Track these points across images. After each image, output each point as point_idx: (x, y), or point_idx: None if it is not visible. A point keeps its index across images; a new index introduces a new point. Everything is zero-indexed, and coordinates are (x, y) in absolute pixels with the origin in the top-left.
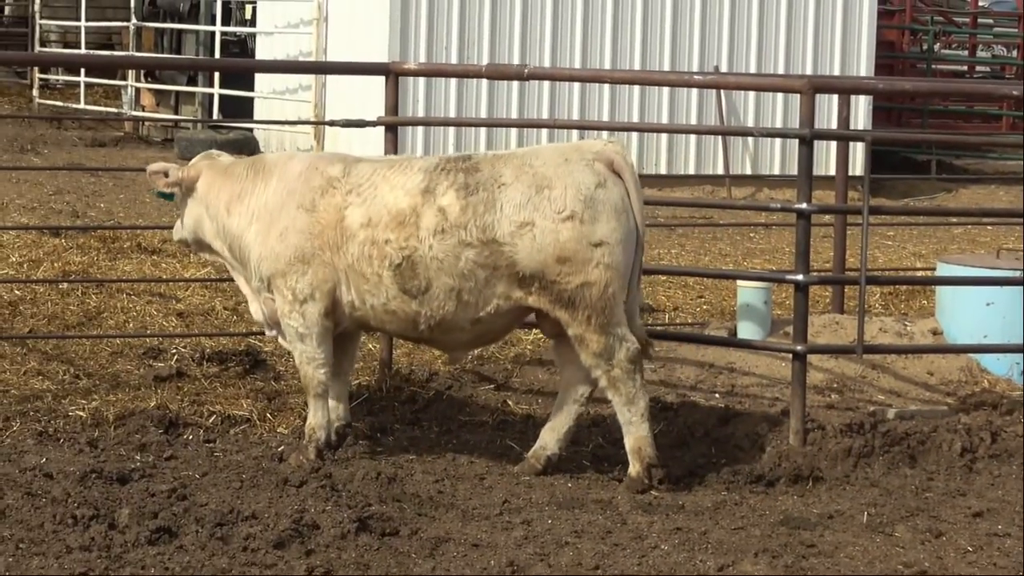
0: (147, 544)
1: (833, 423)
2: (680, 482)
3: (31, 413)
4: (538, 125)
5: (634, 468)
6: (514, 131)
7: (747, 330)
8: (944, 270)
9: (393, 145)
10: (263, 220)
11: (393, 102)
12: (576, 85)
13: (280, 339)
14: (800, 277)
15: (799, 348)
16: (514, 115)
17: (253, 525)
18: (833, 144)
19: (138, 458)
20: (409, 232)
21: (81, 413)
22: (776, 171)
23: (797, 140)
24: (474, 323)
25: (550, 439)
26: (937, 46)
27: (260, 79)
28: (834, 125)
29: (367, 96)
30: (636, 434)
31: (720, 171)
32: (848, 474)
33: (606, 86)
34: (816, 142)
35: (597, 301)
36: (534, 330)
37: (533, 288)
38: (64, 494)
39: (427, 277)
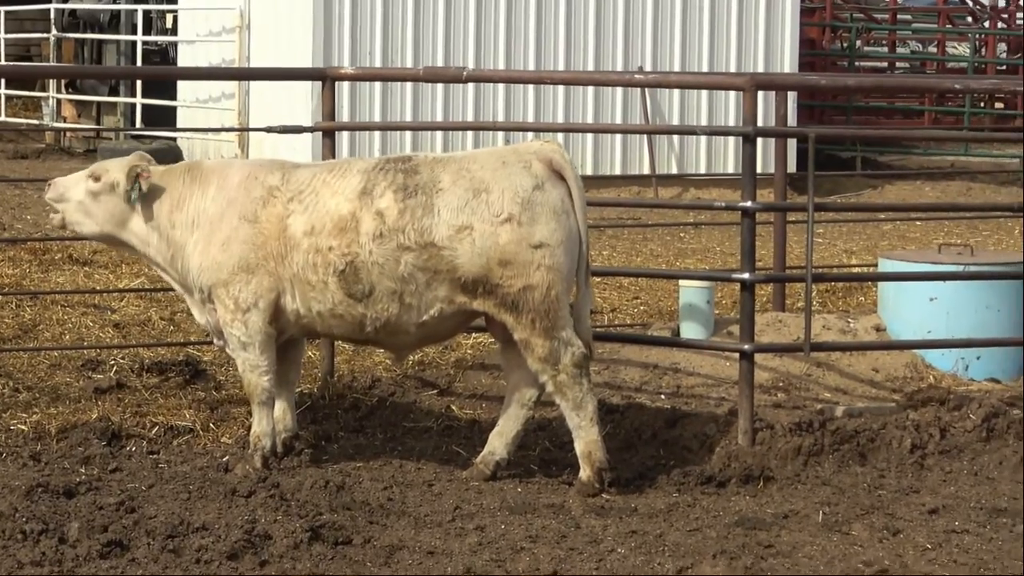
0: (99, 558)
1: (782, 422)
2: (631, 485)
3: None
4: (465, 128)
5: (585, 472)
6: (440, 134)
7: (691, 330)
8: (887, 266)
9: (330, 150)
10: (203, 230)
11: (330, 107)
12: (501, 87)
13: (226, 348)
14: (747, 276)
15: (747, 347)
16: (439, 117)
17: (204, 536)
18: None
19: (83, 471)
20: (350, 238)
21: (23, 427)
22: (702, 170)
23: (735, 138)
24: (419, 326)
25: (499, 444)
26: (858, 43)
27: (183, 88)
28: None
29: (291, 102)
30: (586, 438)
31: (646, 171)
32: (799, 473)
33: (532, 87)
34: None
35: (540, 304)
36: (475, 334)
37: (477, 292)
38: (11, 509)
39: (370, 281)
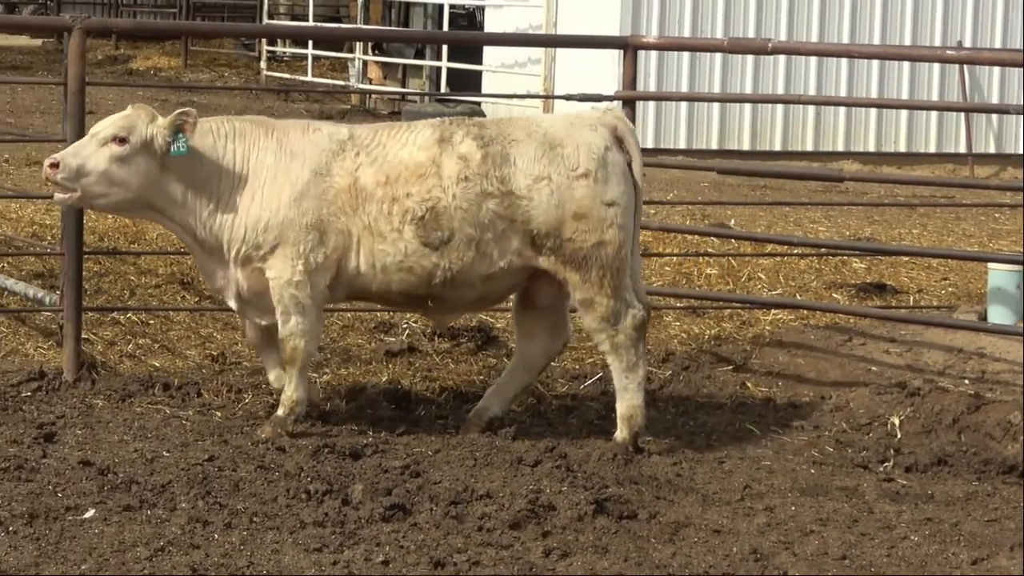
0: (381, 521)
1: None
2: (928, 470)
3: (263, 386)
4: (774, 100)
5: (622, 434)
6: (748, 106)
7: (998, 314)
8: None
9: (630, 119)
10: (259, 185)
11: (631, 76)
12: (813, 59)
13: (249, 314)
14: None
15: None
16: (748, 90)
17: (488, 504)
18: None
19: (370, 433)
20: (432, 183)
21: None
22: (1021, 150)
23: None
24: (485, 279)
25: (495, 401)
26: None
27: (488, 53)
28: None
29: (598, 70)
30: (631, 401)
31: (962, 149)
32: None
33: (844, 61)
34: None
35: (612, 261)
36: (773, 311)
37: (546, 247)
38: (297, 468)
39: (450, 227)
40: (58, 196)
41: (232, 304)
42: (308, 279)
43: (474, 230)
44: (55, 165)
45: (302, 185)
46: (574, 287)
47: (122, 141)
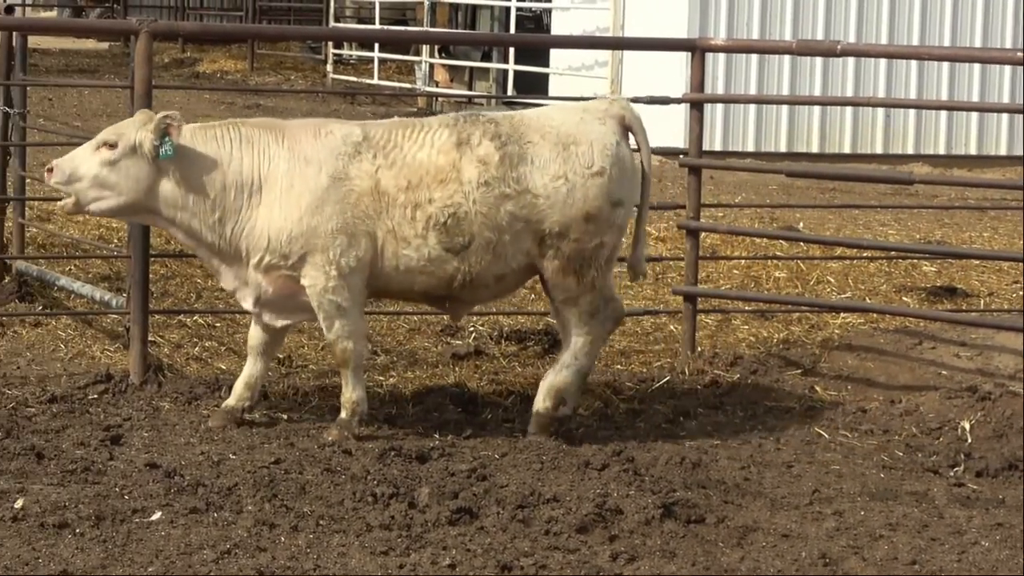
0: (448, 524)
1: None
2: (999, 475)
3: (329, 388)
4: (843, 103)
5: (544, 403)
6: (817, 109)
7: None
8: None
9: (698, 122)
10: (276, 192)
11: (699, 79)
12: (883, 61)
13: (267, 316)
14: None
15: None
16: (817, 92)
17: (555, 508)
18: None
19: (436, 436)
20: (453, 188)
21: (379, 390)
22: None
23: None
24: (498, 279)
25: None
26: None
27: (555, 55)
28: None
29: (665, 72)
30: (566, 378)
31: None
32: None
33: (914, 62)
34: None
35: (606, 264)
36: (842, 314)
37: (551, 246)
38: (363, 471)
39: (471, 232)
40: (61, 203)
41: (248, 306)
42: (344, 282)
43: (493, 233)
44: (51, 170)
45: (321, 192)
46: (561, 289)
47: (112, 146)
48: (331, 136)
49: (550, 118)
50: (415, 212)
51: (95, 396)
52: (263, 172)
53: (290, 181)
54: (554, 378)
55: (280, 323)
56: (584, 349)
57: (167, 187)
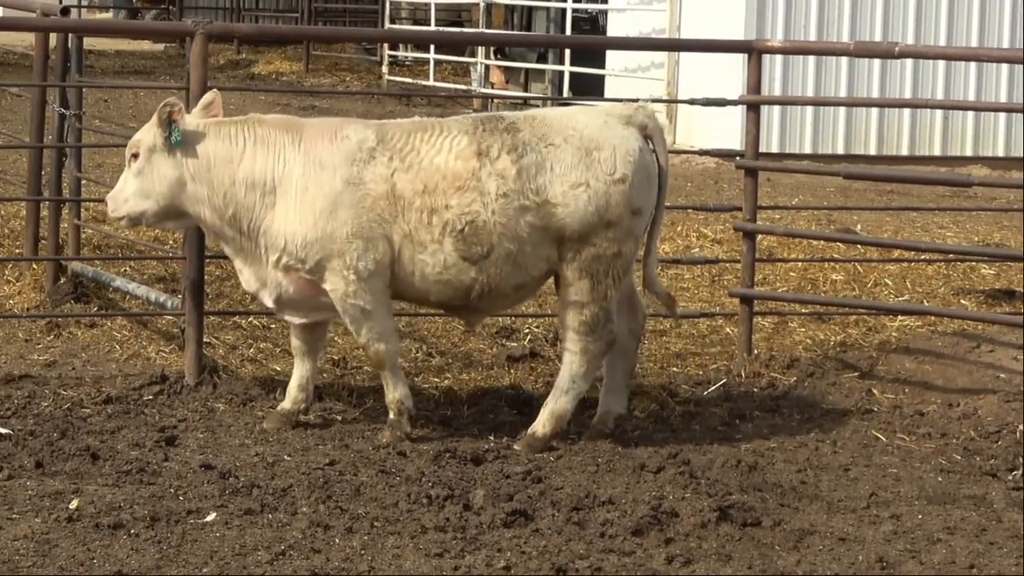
0: (503, 526)
1: None
2: None
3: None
4: (901, 105)
5: (544, 429)
6: (874, 111)
7: None
8: None
9: (754, 124)
10: (292, 196)
11: (755, 80)
12: (941, 63)
13: (287, 314)
14: None
15: None
16: (875, 94)
17: (610, 510)
18: None
19: (491, 438)
20: (471, 197)
21: (434, 391)
22: None
23: None
24: (516, 288)
25: (611, 400)
26: None
27: (611, 57)
28: None
29: (722, 74)
30: (564, 405)
31: None
32: None
33: (972, 64)
34: None
35: (623, 274)
36: (899, 317)
37: (570, 254)
38: (418, 473)
39: (490, 242)
40: (121, 223)
41: (269, 303)
42: (364, 286)
43: (513, 244)
44: (108, 202)
45: (335, 196)
46: (576, 291)
47: (135, 156)
48: (347, 141)
49: (574, 119)
50: (431, 217)
51: (150, 397)
52: (277, 174)
53: (304, 184)
54: (555, 405)
55: (298, 320)
56: (580, 371)
57: (189, 183)
